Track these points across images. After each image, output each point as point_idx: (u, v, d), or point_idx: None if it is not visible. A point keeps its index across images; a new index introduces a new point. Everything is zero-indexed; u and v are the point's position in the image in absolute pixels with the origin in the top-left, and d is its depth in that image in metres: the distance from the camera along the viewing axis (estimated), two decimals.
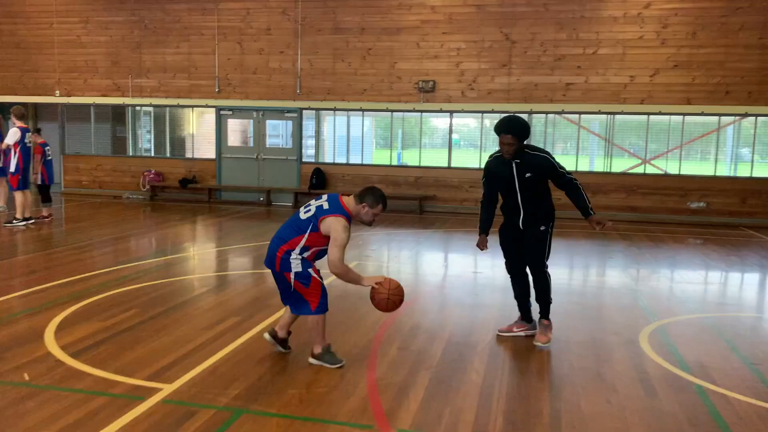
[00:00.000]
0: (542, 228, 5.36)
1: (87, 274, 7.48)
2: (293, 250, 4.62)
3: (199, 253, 9.68)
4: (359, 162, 15.46)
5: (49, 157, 11.46)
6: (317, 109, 15.45)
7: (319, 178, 15.09)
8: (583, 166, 14.77)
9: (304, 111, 15.46)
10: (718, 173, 13.80)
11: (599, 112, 14.10)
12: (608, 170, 14.39)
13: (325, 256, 4.64)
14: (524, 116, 14.51)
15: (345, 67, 15.05)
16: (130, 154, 16.91)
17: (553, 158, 5.33)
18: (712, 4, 13.32)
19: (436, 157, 15.39)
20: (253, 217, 13.41)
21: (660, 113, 13.76)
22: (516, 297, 5.69)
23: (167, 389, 4.25)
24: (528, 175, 5.24)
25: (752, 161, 13.86)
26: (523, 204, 5.35)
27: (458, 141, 15.17)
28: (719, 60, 13.39)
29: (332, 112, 15.49)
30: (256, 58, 15.48)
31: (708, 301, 7.29)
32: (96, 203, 14.96)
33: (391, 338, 5.55)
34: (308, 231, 4.61)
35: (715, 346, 5.59)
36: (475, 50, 14.47)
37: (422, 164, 15.24)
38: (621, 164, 14.59)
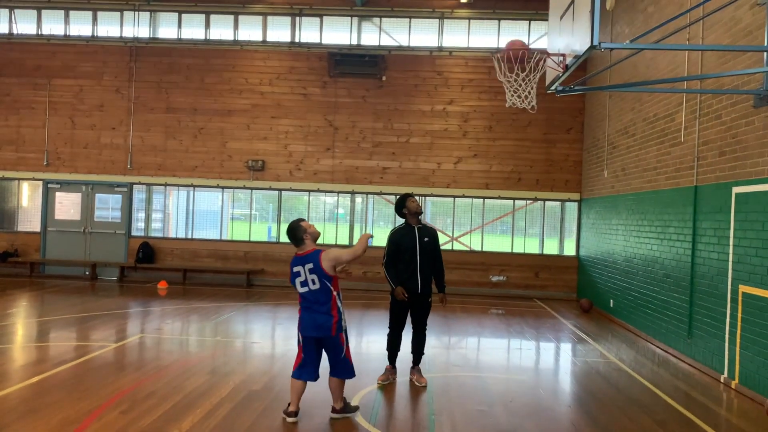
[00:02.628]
0: (429, 300, 7.18)
1: None
2: (340, 306, 5.56)
3: None
4: (189, 236, 15.84)
5: None
6: (148, 184, 15.80)
7: (146, 253, 15.27)
8: None
9: (134, 185, 15.76)
10: (515, 250, 15.44)
11: (412, 195, 15.45)
12: None
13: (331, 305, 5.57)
14: (347, 196, 15.66)
15: (177, 144, 15.62)
16: None
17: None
18: (504, 103, 15.25)
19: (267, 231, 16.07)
20: (67, 291, 13.30)
21: (464, 196, 15.37)
22: (393, 348, 7.16)
23: None
24: (426, 239, 7.10)
25: (542, 239, 15.68)
26: (421, 268, 6.98)
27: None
28: (512, 151, 15.30)
29: (163, 187, 15.90)
30: (87, 133, 15.73)
31: (440, 362, 8.23)
32: None
33: (121, 402, 5.97)
34: (327, 283, 5.50)
35: (417, 402, 6.46)
36: (301, 134, 15.58)
37: (252, 239, 15.89)
38: None
